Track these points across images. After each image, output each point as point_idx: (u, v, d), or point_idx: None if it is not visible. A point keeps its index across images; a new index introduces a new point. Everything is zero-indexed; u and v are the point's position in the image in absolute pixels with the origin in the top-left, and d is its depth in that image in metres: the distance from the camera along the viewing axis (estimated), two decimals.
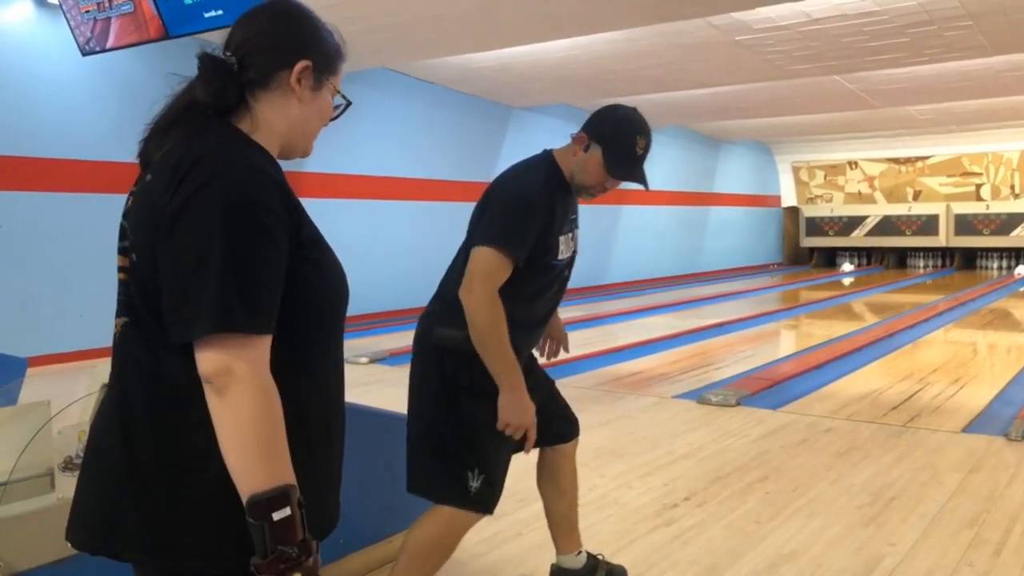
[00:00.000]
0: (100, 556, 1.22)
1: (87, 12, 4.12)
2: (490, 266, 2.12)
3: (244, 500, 1.09)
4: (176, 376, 1.15)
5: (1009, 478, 3.77)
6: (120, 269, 1.25)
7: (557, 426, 2.52)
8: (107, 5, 4.02)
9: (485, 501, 2.20)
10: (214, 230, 1.11)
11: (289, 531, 1.09)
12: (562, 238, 2.27)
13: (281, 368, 1.16)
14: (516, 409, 2.13)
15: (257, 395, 1.10)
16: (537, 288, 2.27)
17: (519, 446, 2.27)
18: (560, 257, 2.28)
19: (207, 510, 1.15)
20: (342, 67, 1.36)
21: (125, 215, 1.26)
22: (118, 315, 1.25)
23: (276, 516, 1.08)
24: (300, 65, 1.27)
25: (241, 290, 1.11)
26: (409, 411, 2.26)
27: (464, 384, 2.18)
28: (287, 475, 1.11)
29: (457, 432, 2.18)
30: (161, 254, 1.14)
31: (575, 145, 2.29)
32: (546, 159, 2.31)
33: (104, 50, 4.22)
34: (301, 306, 1.20)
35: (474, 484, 2.16)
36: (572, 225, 2.35)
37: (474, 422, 2.17)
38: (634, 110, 2.33)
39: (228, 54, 1.27)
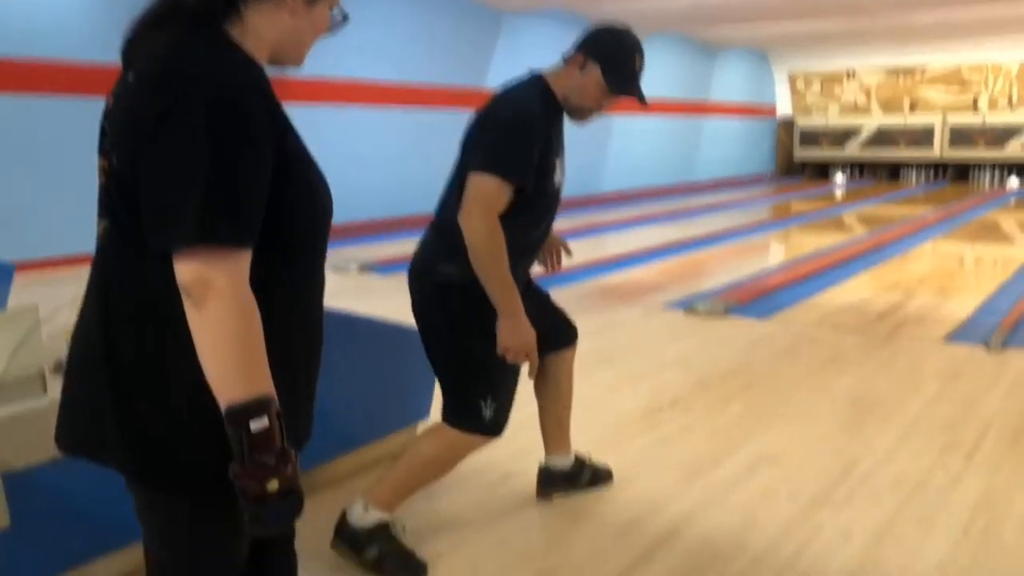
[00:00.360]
0: (86, 460, 1.24)
1: None
2: (490, 193, 2.10)
3: (223, 410, 1.10)
4: (157, 282, 1.13)
5: (987, 385, 3.86)
6: (101, 171, 1.22)
7: (557, 335, 2.57)
8: None
9: (498, 425, 2.29)
10: (196, 138, 1.08)
11: (267, 440, 1.10)
12: (558, 160, 2.28)
13: (262, 285, 1.14)
14: (516, 334, 2.16)
15: (235, 307, 1.09)
16: (537, 212, 2.28)
17: (520, 367, 2.32)
18: (556, 180, 2.28)
19: (188, 418, 1.15)
20: None
21: (105, 115, 1.22)
22: (100, 218, 1.23)
23: (254, 426, 1.09)
24: None
25: (223, 201, 1.08)
26: (427, 351, 2.29)
27: (467, 319, 2.20)
28: (265, 386, 1.11)
29: (466, 366, 2.24)
30: (142, 161, 1.11)
31: (570, 67, 2.26)
32: (538, 82, 2.28)
33: None
34: (284, 223, 1.18)
35: (487, 412, 2.24)
36: (562, 146, 2.35)
37: (481, 354, 2.21)
38: (628, 29, 2.33)
39: None
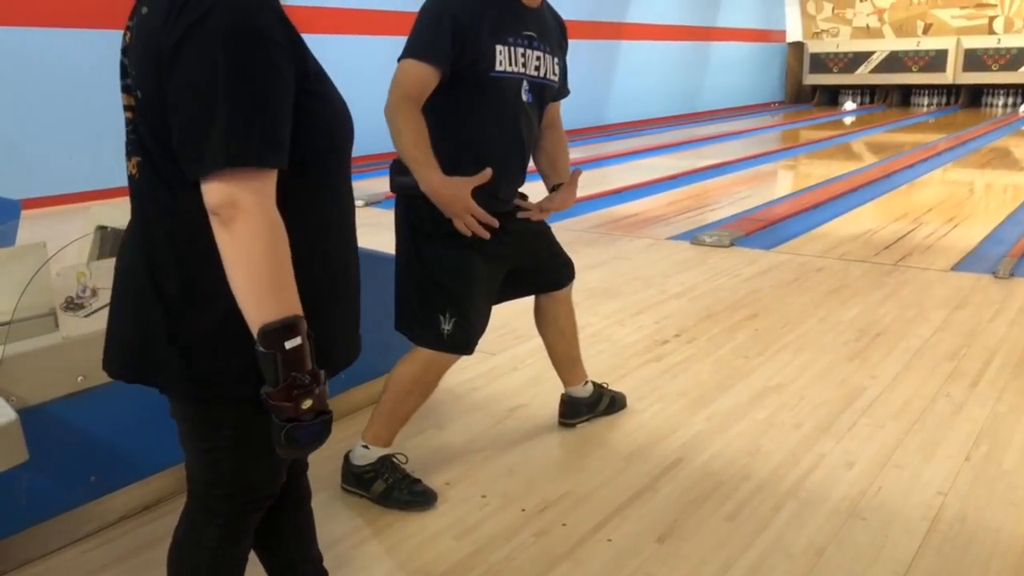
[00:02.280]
0: (136, 384, 1.27)
1: None
2: (406, 74, 2.10)
3: (254, 331, 1.12)
4: (193, 209, 1.15)
5: (992, 314, 3.86)
6: (126, 108, 1.23)
7: (553, 274, 2.55)
8: None
9: (459, 342, 2.25)
10: (217, 62, 1.08)
11: (300, 359, 1.13)
12: (502, 47, 2.14)
13: (294, 205, 1.16)
14: (440, 184, 2.08)
15: (263, 227, 1.10)
16: (485, 107, 2.17)
17: (495, 288, 2.30)
18: (500, 68, 2.14)
19: (235, 336, 1.17)
20: None
21: (124, 51, 1.22)
22: (130, 155, 1.24)
23: (288, 345, 1.11)
24: None
25: (248, 122, 1.09)
26: (395, 254, 2.30)
27: (428, 229, 2.19)
28: (295, 306, 1.14)
29: (425, 275, 2.22)
30: (167, 89, 1.12)
31: None
32: None
33: None
34: (312, 141, 1.19)
35: (446, 327, 2.22)
36: (528, 42, 2.20)
37: (440, 265, 2.20)
38: None
39: None
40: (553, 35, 2.32)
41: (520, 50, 2.19)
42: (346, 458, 2.34)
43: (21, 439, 1.66)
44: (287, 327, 1.11)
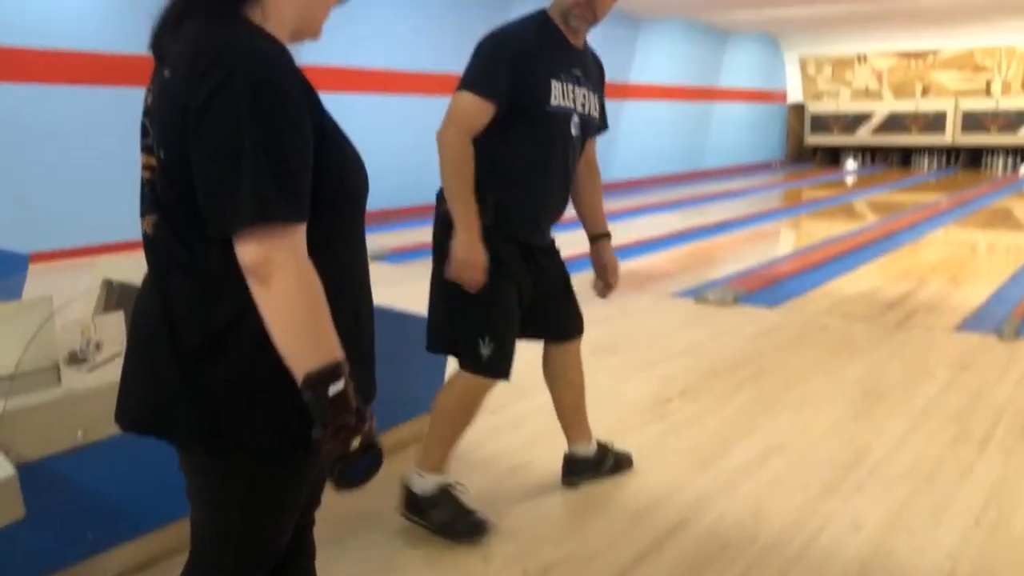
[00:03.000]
0: (149, 437, 1.27)
1: None
2: (463, 107, 2.18)
3: (299, 380, 1.14)
4: (212, 265, 1.17)
5: (999, 375, 3.84)
6: (145, 167, 1.26)
7: (564, 320, 2.59)
8: None
9: (497, 367, 2.32)
10: (242, 121, 1.12)
11: (344, 402, 1.15)
12: (557, 83, 2.26)
13: (311, 257, 1.18)
14: (468, 247, 2.19)
15: (299, 279, 1.13)
16: (536, 139, 2.27)
17: (514, 310, 2.35)
18: (555, 103, 2.26)
19: (252, 387, 1.19)
20: None
21: (146, 112, 1.26)
22: (146, 213, 1.27)
23: (332, 390, 1.14)
24: None
25: (275, 179, 1.12)
26: (432, 275, 2.36)
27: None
28: (336, 350, 1.16)
29: (466, 300, 2.27)
30: (192, 149, 1.15)
31: None
32: (537, 13, 2.34)
33: None
34: (327, 192, 1.22)
35: (485, 351, 2.28)
36: (576, 80, 2.33)
37: (481, 291, 2.25)
38: None
39: None
40: (594, 74, 2.45)
41: (571, 86, 2.30)
42: (405, 486, 2.38)
43: (18, 495, 1.65)
44: (330, 373, 1.14)
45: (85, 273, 2.64)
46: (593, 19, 2.31)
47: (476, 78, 2.19)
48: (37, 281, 3.74)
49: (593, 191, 2.62)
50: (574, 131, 2.34)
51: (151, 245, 1.27)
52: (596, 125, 2.48)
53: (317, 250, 1.20)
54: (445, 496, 2.35)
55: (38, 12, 6.61)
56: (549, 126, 2.28)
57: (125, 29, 1.33)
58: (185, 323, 1.21)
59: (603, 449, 2.76)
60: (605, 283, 2.65)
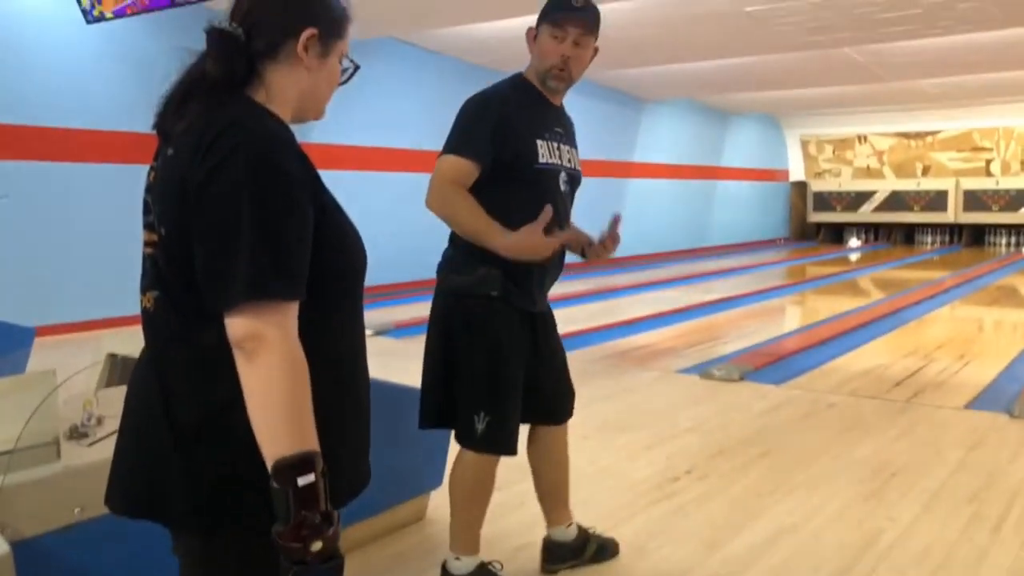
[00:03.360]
0: (142, 520, 1.25)
1: None
2: (447, 169, 2.21)
3: (269, 465, 1.11)
4: (212, 342, 1.16)
5: (1011, 455, 3.78)
6: (147, 243, 1.27)
7: (556, 403, 2.52)
8: None
9: (495, 442, 2.28)
10: (243, 199, 1.13)
11: (313, 498, 1.10)
12: (542, 142, 2.29)
13: (310, 333, 1.17)
14: (519, 245, 2.17)
15: (285, 360, 1.12)
16: (529, 198, 2.26)
17: (519, 383, 2.32)
18: (543, 160, 2.28)
19: (249, 469, 1.16)
20: (349, 31, 1.36)
21: (148, 189, 1.27)
22: (147, 289, 1.27)
23: (301, 481, 1.09)
24: (306, 33, 1.28)
25: (272, 257, 1.13)
26: (426, 348, 2.36)
27: (469, 328, 2.26)
28: (312, 441, 1.13)
29: (464, 375, 2.27)
30: (193, 226, 1.16)
31: (529, 46, 2.36)
32: (513, 76, 2.38)
33: (200, 0, 4.11)
34: (327, 270, 1.22)
35: (479, 426, 2.25)
36: (559, 137, 2.36)
37: (477, 365, 2.25)
38: None
39: (235, 25, 1.27)
40: (571, 131, 2.49)
41: (555, 144, 2.34)
42: (444, 570, 2.36)
43: (12, 574, 1.61)
44: (302, 463, 1.10)
45: (90, 347, 2.64)
46: (570, 80, 2.34)
47: (458, 141, 2.23)
48: (43, 354, 3.74)
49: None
50: (563, 186, 2.36)
51: (150, 321, 1.27)
52: (581, 179, 2.50)
53: (316, 327, 1.20)
54: (483, 574, 2.36)
55: (47, 91, 6.81)
56: (540, 183, 2.29)
57: (133, 108, 1.36)
58: (182, 401, 1.20)
59: (583, 534, 2.65)
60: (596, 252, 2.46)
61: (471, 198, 2.20)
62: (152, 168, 1.28)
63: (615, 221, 2.46)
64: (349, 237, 1.29)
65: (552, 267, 2.40)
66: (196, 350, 1.20)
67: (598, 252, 2.45)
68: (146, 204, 1.27)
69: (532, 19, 2.37)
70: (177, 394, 1.20)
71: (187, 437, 1.19)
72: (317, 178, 1.25)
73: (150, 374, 1.25)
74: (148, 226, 1.26)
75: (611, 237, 2.45)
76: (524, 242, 2.17)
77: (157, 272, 1.24)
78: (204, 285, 1.15)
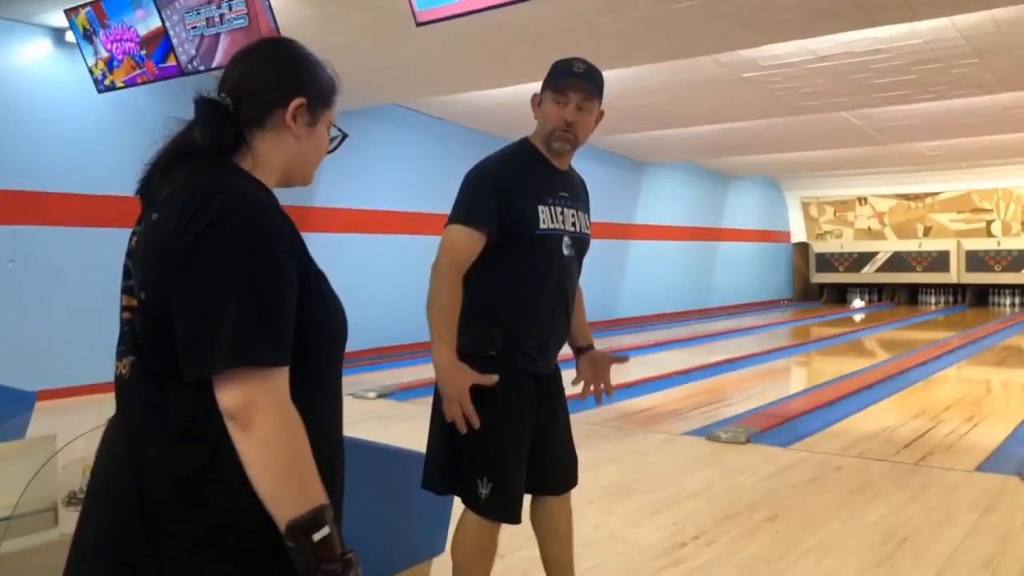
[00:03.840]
0: None
1: (194, 28, 4.04)
2: (452, 240, 2.23)
3: (282, 527, 1.10)
4: (186, 410, 1.15)
5: None
6: (125, 308, 1.26)
7: (557, 472, 2.45)
8: (218, 20, 3.94)
9: (498, 508, 2.24)
10: (230, 265, 1.13)
11: (330, 548, 1.12)
12: (543, 207, 2.28)
13: (291, 398, 1.16)
14: (448, 370, 2.19)
15: (283, 424, 1.12)
16: (534, 259, 2.27)
17: (523, 448, 2.30)
18: (544, 226, 2.27)
19: (223, 541, 1.15)
20: (336, 100, 1.38)
21: (129, 254, 1.27)
22: (123, 355, 1.25)
23: (316, 537, 1.10)
24: (294, 103, 1.29)
25: (259, 323, 1.12)
26: (432, 410, 2.33)
27: (472, 391, 2.21)
28: (320, 495, 1.14)
29: (467, 439, 2.22)
30: (175, 291, 1.15)
31: (534, 110, 2.38)
32: (519, 140, 2.40)
33: (208, 70, 4.09)
34: (307, 339, 1.21)
35: (483, 491, 2.22)
36: (564, 201, 2.35)
37: (481, 428, 2.20)
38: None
39: (223, 95, 1.28)
40: (581, 194, 2.48)
41: (559, 208, 2.33)
42: None
43: None
44: (314, 520, 1.11)
45: (92, 410, 2.63)
46: (575, 142, 2.34)
47: (464, 211, 2.24)
48: (45, 418, 3.72)
49: (577, 308, 2.57)
50: (567, 251, 2.34)
51: (125, 387, 1.24)
52: (588, 242, 2.48)
53: (295, 397, 1.18)
54: None
55: (55, 157, 6.93)
56: (542, 249, 2.29)
57: (131, 173, 1.39)
58: (153, 471, 1.17)
59: None
60: (600, 382, 2.56)
61: (458, 294, 2.21)
62: (135, 232, 1.28)
63: (620, 360, 2.58)
64: (331, 304, 1.28)
65: (556, 330, 2.39)
66: (170, 417, 1.17)
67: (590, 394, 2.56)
68: (127, 269, 1.26)
69: (531, 87, 2.41)
70: (148, 464, 1.17)
71: (157, 512, 1.16)
72: (302, 244, 1.25)
73: (120, 445, 1.22)
74: (127, 290, 1.25)
75: (606, 386, 2.56)
76: (452, 373, 2.19)
77: (134, 338, 1.22)
78: (184, 351, 1.14)
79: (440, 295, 2.21)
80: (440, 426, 2.29)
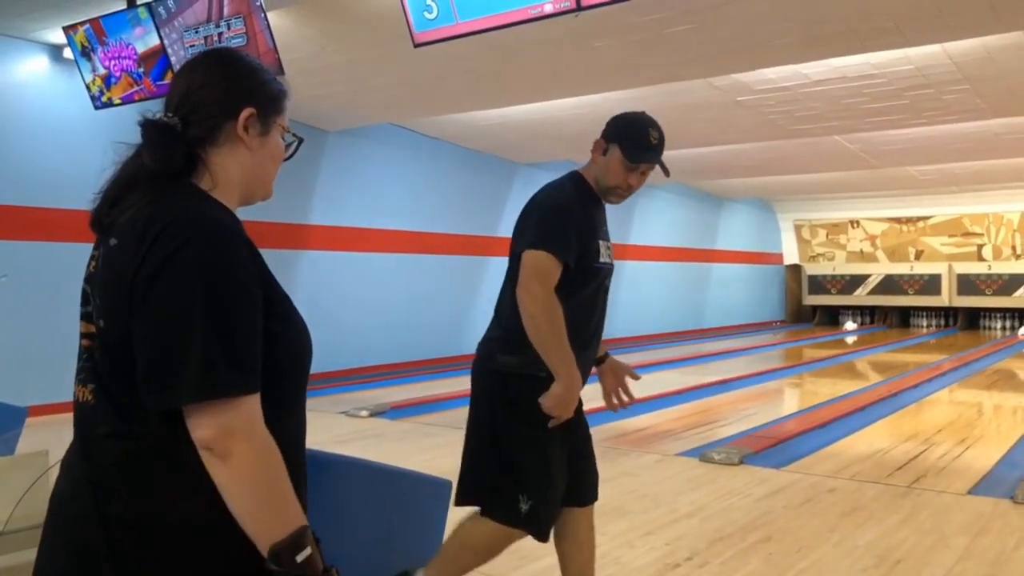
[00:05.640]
0: None
1: (192, 47, 4.06)
2: (542, 265, 2.26)
3: (264, 552, 1.10)
4: (148, 437, 1.14)
5: (1016, 542, 3.71)
6: (83, 335, 1.23)
7: (583, 489, 2.53)
8: (216, 39, 3.95)
9: (536, 523, 2.29)
10: (195, 292, 1.10)
11: (313, 567, 1.11)
12: (601, 242, 2.41)
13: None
14: (565, 402, 2.25)
15: (260, 451, 1.11)
16: (588, 294, 2.38)
17: (564, 466, 2.36)
18: (601, 260, 2.40)
19: (187, 564, 1.13)
20: (287, 105, 1.34)
21: (88, 279, 1.24)
22: (84, 382, 1.22)
23: (299, 558, 1.10)
24: (245, 113, 1.26)
25: (227, 351, 1.10)
26: (469, 426, 2.38)
27: (522, 410, 2.28)
28: (299, 517, 1.13)
29: (511, 455, 2.28)
30: (137, 319, 1.12)
31: (595, 154, 2.45)
32: (573, 175, 2.48)
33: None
34: (273, 360, 1.19)
35: (524, 506, 2.26)
36: (606, 236, 2.48)
37: (526, 446, 2.27)
38: (642, 112, 2.49)
39: (170, 115, 1.25)
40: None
41: (605, 243, 2.45)
42: None
43: None
44: (295, 542, 1.10)
45: None
46: (627, 196, 2.49)
47: (550, 239, 2.28)
48: (36, 434, 3.69)
49: None
50: (606, 282, 2.48)
51: (85, 415, 1.21)
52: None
53: (266, 420, 1.16)
54: None
55: (50, 173, 6.93)
56: (595, 280, 2.41)
57: None
58: (113, 496, 1.14)
59: None
60: (624, 387, 2.67)
61: (560, 311, 2.26)
62: (93, 258, 1.24)
63: (634, 376, 2.70)
64: (296, 327, 1.26)
65: (593, 353, 2.52)
66: (131, 447, 1.15)
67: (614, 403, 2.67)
68: (85, 294, 1.23)
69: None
70: (108, 489, 1.15)
71: (120, 537, 1.14)
72: (265, 268, 1.22)
73: (79, 471, 1.19)
74: (85, 317, 1.22)
75: (627, 393, 2.67)
76: (574, 393, 2.28)
77: (94, 365, 1.20)
78: (149, 380, 1.11)
79: (549, 318, 2.24)
80: (479, 444, 2.35)
